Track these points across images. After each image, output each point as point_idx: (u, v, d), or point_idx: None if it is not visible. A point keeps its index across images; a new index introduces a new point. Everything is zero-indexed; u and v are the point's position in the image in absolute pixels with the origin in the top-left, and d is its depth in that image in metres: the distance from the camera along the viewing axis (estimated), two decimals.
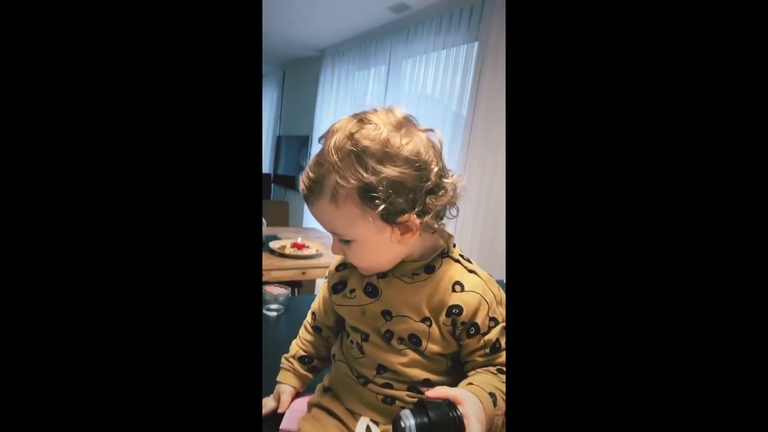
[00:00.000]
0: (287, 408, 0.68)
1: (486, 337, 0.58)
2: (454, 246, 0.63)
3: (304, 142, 4.17)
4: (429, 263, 0.59)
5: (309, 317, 0.73)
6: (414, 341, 0.58)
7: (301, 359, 0.72)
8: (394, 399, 0.59)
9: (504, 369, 0.58)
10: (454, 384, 0.57)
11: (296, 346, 0.73)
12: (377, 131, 0.51)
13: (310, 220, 4.09)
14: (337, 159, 0.50)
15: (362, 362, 0.61)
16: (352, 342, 0.63)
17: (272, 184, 5.04)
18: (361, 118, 0.53)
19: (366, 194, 0.50)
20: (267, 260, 1.72)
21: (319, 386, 0.67)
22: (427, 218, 0.53)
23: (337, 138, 0.51)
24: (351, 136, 0.51)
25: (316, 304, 0.71)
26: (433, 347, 0.58)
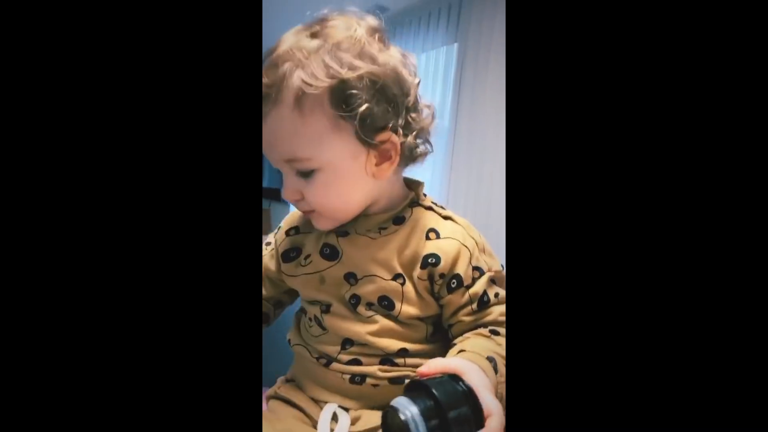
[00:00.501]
0: None
1: (471, 290, 0.48)
2: (425, 195, 0.53)
3: None
4: (397, 214, 0.49)
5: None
6: (385, 304, 0.47)
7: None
8: (364, 377, 0.48)
9: (498, 329, 0.47)
10: (436, 354, 0.47)
11: None
12: (349, 29, 0.42)
13: None
14: (301, 56, 0.40)
15: (323, 339, 0.50)
16: (310, 320, 0.52)
17: None
18: (324, 18, 0.43)
19: (341, 96, 0.40)
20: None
21: (279, 378, 0.57)
22: (409, 138, 0.45)
23: (297, 38, 0.42)
24: (317, 34, 0.42)
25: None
26: (409, 310, 0.48)
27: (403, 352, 0.48)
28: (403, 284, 0.47)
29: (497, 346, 0.44)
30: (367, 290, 0.48)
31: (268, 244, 0.56)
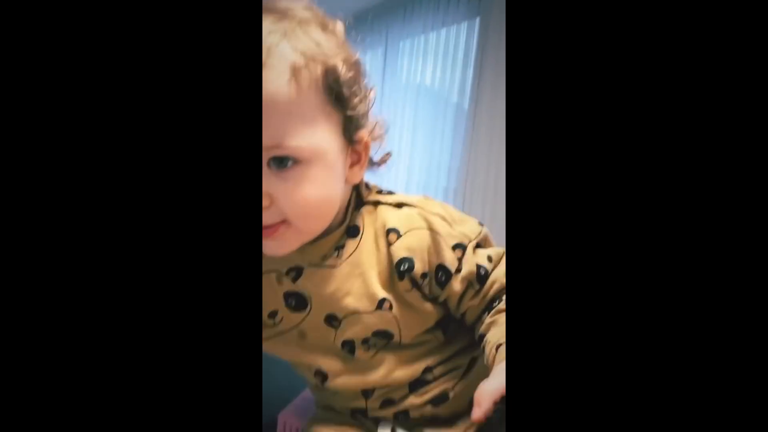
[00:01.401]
0: None
1: (463, 273, 0.41)
2: (367, 187, 0.45)
3: None
4: (349, 224, 0.42)
5: None
6: (383, 336, 0.42)
7: None
8: (406, 412, 0.44)
9: (502, 307, 0.41)
10: (459, 353, 0.43)
11: None
12: (315, 13, 0.36)
13: None
14: (293, 26, 0.34)
15: (342, 398, 0.46)
16: (311, 384, 0.46)
17: None
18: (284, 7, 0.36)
19: (336, 82, 0.35)
20: None
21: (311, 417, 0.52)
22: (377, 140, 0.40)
23: (270, 16, 0.34)
24: (288, 12, 0.35)
25: None
26: (411, 331, 0.42)
27: (428, 370, 0.44)
28: (391, 308, 0.41)
29: (502, 326, 0.39)
30: (356, 330, 0.42)
31: None
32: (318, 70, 0.34)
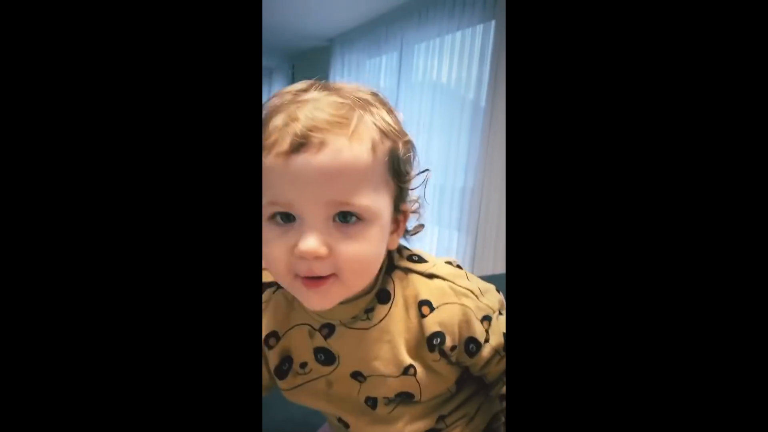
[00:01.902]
0: None
1: (492, 343, 0.44)
2: (398, 251, 0.47)
3: None
4: (380, 289, 0.44)
5: None
6: (404, 396, 0.45)
7: None
8: None
9: None
10: (470, 400, 0.47)
11: None
12: (376, 94, 0.41)
13: None
14: (365, 102, 0.37)
15: None
16: (335, 426, 0.50)
17: None
18: (326, 86, 0.40)
19: (397, 160, 0.38)
20: None
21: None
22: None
23: (346, 85, 0.39)
24: (355, 91, 0.39)
25: None
26: (430, 392, 0.45)
27: (441, 419, 0.47)
28: (414, 374, 0.43)
29: None
30: (381, 391, 0.45)
31: None
32: (387, 146, 0.38)
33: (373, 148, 0.36)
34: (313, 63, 4.24)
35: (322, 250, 0.36)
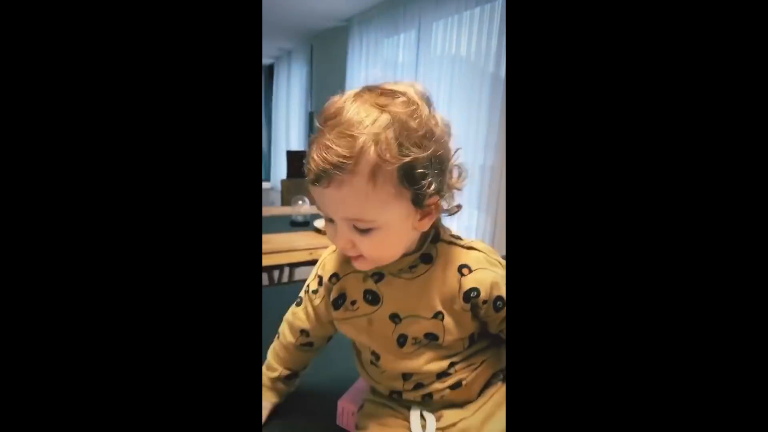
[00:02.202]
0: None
1: None
2: (442, 227, 0.58)
3: None
4: (424, 252, 0.55)
5: (294, 336, 0.64)
6: (430, 338, 0.55)
7: (286, 378, 0.66)
8: (430, 394, 0.57)
9: None
10: (478, 354, 0.57)
11: (279, 366, 0.66)
12: (414, 104, 0.46)
13: None
14: (379, 130, 0.44)
15: (385, 377, 0.59)
16: (368, 361, 0.61)
17: None
18: (383, 91, 0.47)
19: (409, 173, 0.45)
20: (314, 239, 1.69)
21: (364, 389, 0.67)
22: (446, 201, 0.52)
23: (365, 109, 0.45)
24: (385, 107, 0.45)
25: (304, 321, 0.63)
26: (451, 336, 0.55)
27: (452, 365, 0.57)
28: (442, 320, 0.54)
29: None
30: (413, 329, 0.55)
31: (315, 292, 0.62)
32: (395, 167, 0.44)
33: (372, 177, 0.44)
34: (330, 43, 4.23)
35: (348, 246, 0.50)
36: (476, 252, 0.55)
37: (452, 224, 0.58)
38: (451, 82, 2.66)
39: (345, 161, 0.43)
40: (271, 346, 0.67)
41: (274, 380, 0.65)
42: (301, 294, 0.64)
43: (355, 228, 0.48)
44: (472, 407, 0.57)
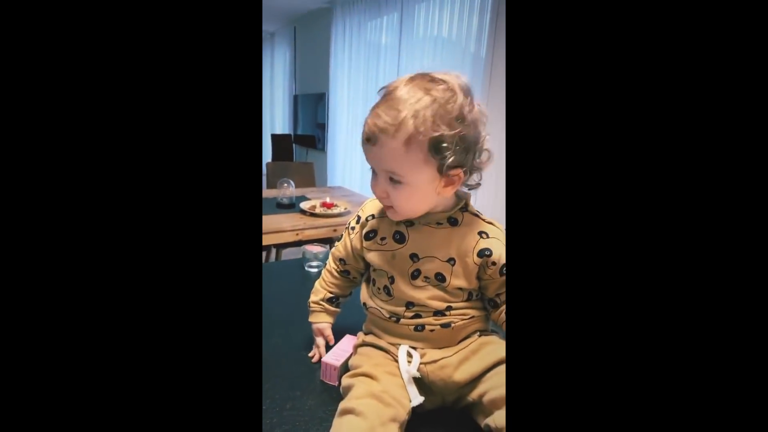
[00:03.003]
0: (333, 340, 0.80)
1: None
2: (471, 205, 0.71)
3: (320, 98, 4.12)
4: (451, 215, 0.67)
5: (335, 263, 0.80)
6: (438, 278, 0.66)
7: (329, 300, 0.81)
8: (423, 326, 0.68)
9: None
10: (471, 308, 0.69)
11: (323, 290, 0.81)
12: (453, 92, 0.58)
13: (334, 179, 4.10)
14: (420, 108, 0.56)
15: (391, 303, 0.70)
16: (378, 288, 0.72)
17: (293, 145, 5.04)
18: (432, 78, 0.59)
19: (437, 145, 0.57)
20: (299, 220, 1.76)
21: (359, 333, 0.78)
22: (471, 176, 0.63)
23: (413, 91, 0.57)
24: (429, 91, 0.57)
25: (342, 252, 0.78)
26: (456, 282, 0.66)
27: (449, 308, 0.68)
28: (453, 265, 0.66)
29: None
30: (426, 267, 0.66)
31: (353, 228, 0.76)
32: (427, 138, 0.56)
33: (408, 143, 0.57)
34: (314, 25, 4.22)
35: (384, 195, 0.63)
36: (493, 227, 0.68)
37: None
38: (432, 62, 2.71)
39: (388, 128, 0.56)
40: (320, 278, 0.83)
41: (318, 302, 0.81)
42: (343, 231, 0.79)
43: (391, 180, 0.61)
44: (451, 350, 0.67)
